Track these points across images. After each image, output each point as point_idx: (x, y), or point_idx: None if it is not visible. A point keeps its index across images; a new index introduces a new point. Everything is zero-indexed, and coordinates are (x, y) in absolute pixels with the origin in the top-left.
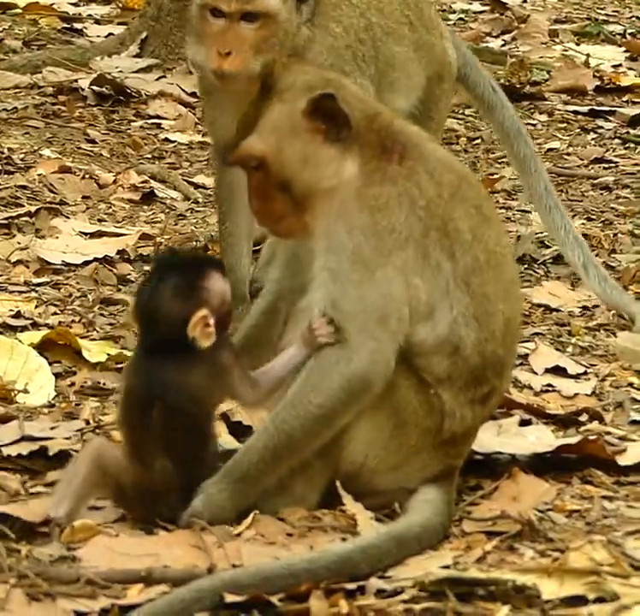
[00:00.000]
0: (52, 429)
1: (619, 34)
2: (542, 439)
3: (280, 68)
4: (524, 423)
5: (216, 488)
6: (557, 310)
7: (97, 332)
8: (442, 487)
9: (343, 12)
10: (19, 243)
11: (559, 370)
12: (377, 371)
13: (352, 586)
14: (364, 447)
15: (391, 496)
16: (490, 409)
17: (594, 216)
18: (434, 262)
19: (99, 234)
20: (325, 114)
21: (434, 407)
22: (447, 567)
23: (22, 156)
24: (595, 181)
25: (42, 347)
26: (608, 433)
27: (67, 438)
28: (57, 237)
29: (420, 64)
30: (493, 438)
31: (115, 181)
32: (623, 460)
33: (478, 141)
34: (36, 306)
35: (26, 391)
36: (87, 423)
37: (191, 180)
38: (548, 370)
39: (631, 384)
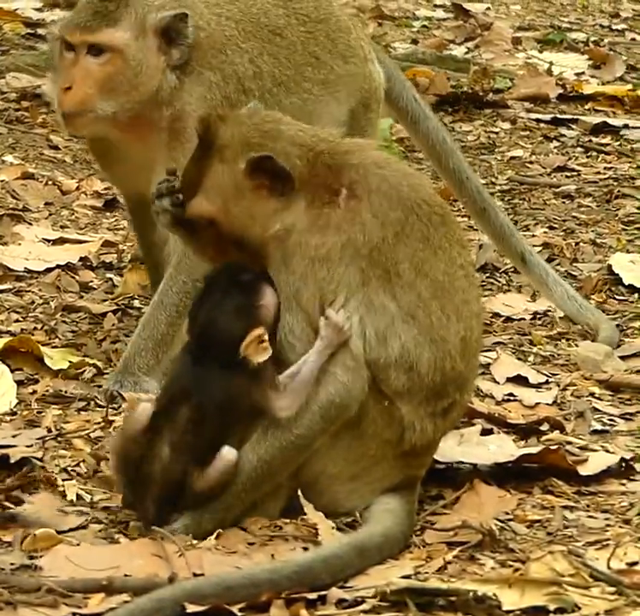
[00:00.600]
0: (14, 436)
1: (582, 42)
2: (503, 448)
3: (216, 121)
4: (485, 432)
5: (200, 518)
6: (518, 320)
7: (60, 339)
8: (404, 496)
9: (227, 58)
10: None
11: (520, 380)
12: (354, 396)
13: (313, 596)
14: (324, 458)
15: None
16: (452, 421)
17: (556, 225)
18: (378, 304)
19: (62, 241)
20: (266, 171)
21: (394, 419)
22: (408, 577)
23: None
24: (558, 190)
25: (4, 355)
26: (569, 442)
27: (28, 446)
28: (20, 244)
29: (336, 99)
30: (454, 447)
31: (77, 188)
32: (584, 470)
33: None
34: None
35: None
36: (49, 430)
37: None
38: (509, 380)
39: (592, 393)
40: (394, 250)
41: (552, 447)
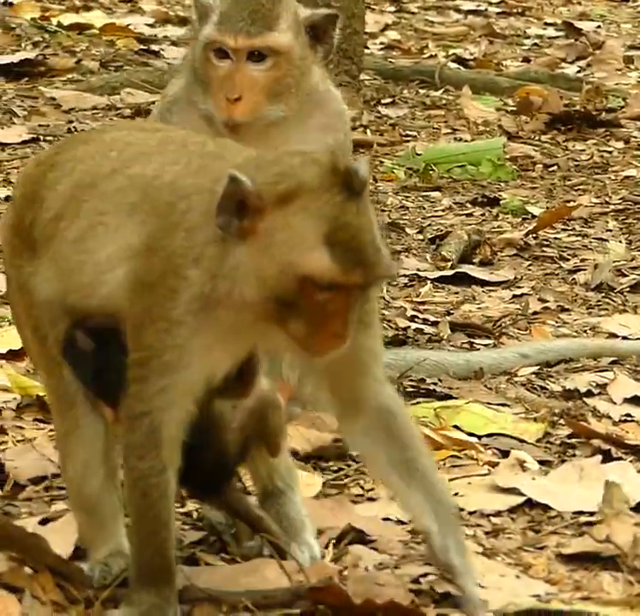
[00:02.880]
0: None
1: None
2: (623, 478)
3: None
4: (605, 457)
5: None
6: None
7: None
8: None
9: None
10: None
11: (637, 400)
12: None
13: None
14: None
15: None
16: None
17: None
18: None
19: None
20: None
21: None
22: (537, 596)
23: None
24: None
25: None
26: None
27: None
28: None
29: None
30: (573, 492)
31: None
32: None
33: (554, 168)
34: None
35: None
36: None
37: None
38: (626, 400)
39: None
40: None
41: None
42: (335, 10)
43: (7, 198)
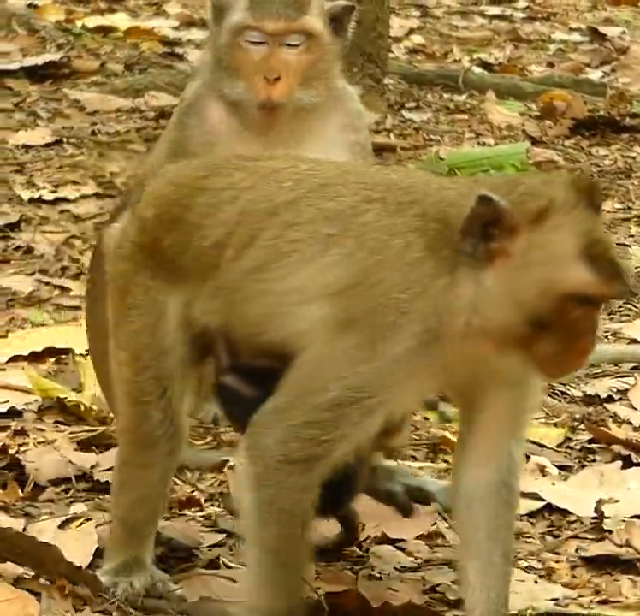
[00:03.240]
0: None
1: None
2: None
3: None
4: (625, 463)
5: None
6: None
7: None
8: None
9: None
10: None
11: None
12: None
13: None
14: None
15: None
16: None
17: None
18: None
19: None
20: None
21: None
22: (555, 599)
23: (124, 179)
24: None
25: None
26: None
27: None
28: None
29: None
30: (592, 495)
31: None
32: None
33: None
34: None
35: None
36: None
37: None
38: None
39: None
40: None
41: None
42: (358, 10)
43: (30, 200)
